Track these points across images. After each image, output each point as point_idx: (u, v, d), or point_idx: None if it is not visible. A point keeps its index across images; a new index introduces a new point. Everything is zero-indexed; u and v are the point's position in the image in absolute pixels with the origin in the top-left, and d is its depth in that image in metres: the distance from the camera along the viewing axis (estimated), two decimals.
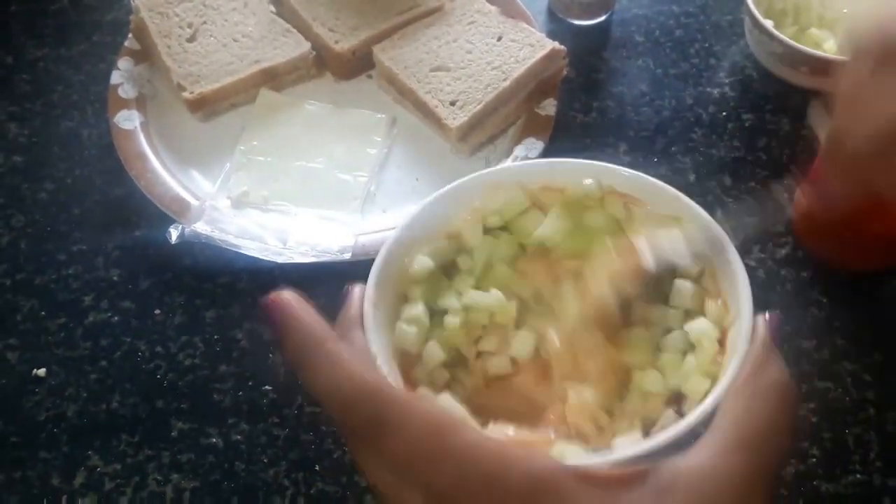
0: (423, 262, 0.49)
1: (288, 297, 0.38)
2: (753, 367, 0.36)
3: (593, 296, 0.46)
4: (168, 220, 0.77)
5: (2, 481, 0.68)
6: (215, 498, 0.67)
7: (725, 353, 0.41)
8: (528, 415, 0.44)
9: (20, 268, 0.80)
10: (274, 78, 0.89)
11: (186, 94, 0.85)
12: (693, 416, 0.36)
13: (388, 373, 0.41)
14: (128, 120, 0.85)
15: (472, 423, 0.35)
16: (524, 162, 0.51)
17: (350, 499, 0.67)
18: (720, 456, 0.33)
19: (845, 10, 0.91)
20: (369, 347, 0.41)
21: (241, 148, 0.84)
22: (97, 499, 0.67)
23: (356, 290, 0.43)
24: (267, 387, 0.72)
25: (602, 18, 0.98)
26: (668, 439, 0.35)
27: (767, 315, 0.39)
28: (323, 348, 0.36)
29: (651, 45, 0.97)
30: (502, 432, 0.39)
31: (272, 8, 0.93)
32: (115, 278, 0.79)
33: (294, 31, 0.91)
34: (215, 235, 0.76)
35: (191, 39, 0.89)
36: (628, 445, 0.37)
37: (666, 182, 0.51)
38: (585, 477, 0.33)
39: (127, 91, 0.87)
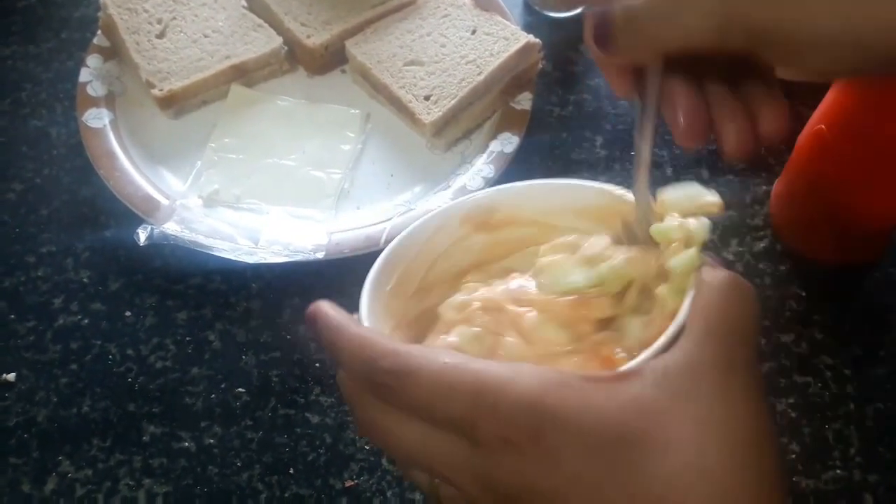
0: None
1: (321, 305, 0.42)
2: (707, 271, 0.40)
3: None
4: (139, 220, 0.76)
5: None
6: (188, 503, 0.66)
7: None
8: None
9: None
10: (245, 74, 0.88)
11: (156, 92, 0.83)
12: (670, 329, 0.39)
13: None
14: (97, 118, 0.83)
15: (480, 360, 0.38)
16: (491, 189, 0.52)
17: (325, 502, 0.66)
18: (695, 347, 0.37)
19: None
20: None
21: (212, 145, 0.83)
22: None
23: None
24: (240, 389, 0.71)
25: (579, 11, 0.96)
26: (653, 352, 0.38)
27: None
28: (347, 329, 0.40)
29: None
30: None
31: (243, 3, 0.91)
32: (85, 280, 0.78)
33: (265, 25, 0.89)
34: (185, 236, 0.75)
35: (160, 36, 0.88)
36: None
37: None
38: (585, 376, 0.36)
39: (96, 89, 0.86)
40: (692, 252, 0.42)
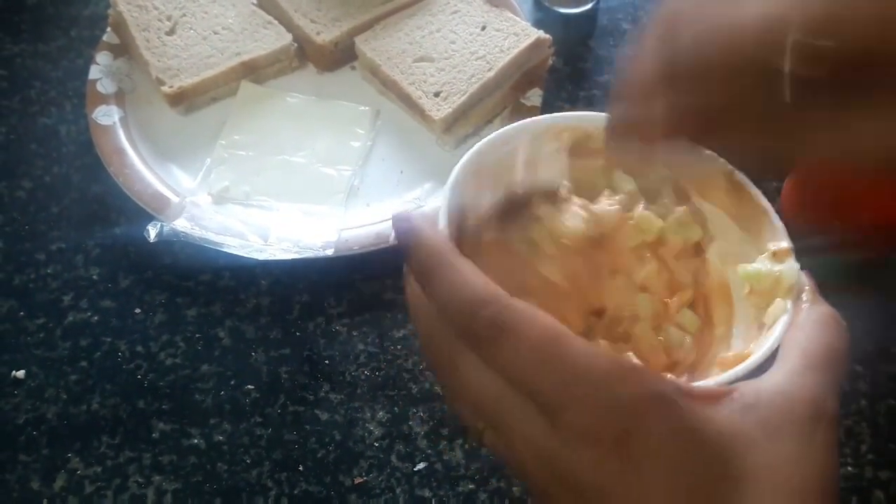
0: None
1: (416, 216, 0.40)
2: (807, 304, 0.41)
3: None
4: (148, 217, 0.76)
5: None
6: (197, 500, 0.66)
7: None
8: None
9: None
10: (255, 70, 0.88)
11: (166, 89, 0.83)
12: (761, 350, 0.40)
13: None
14: (106, 115, 0.83)
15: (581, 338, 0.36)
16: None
17: (334, 499, 0.66)
18: (792, 377, 0.37)
19: None
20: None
21: (222, 142, 0.83)
22: (78, 502, 0.66)
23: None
24: (249, 386, 0.71)
25: (589, 6, 0.96)
26: (742, 372, 0.39)
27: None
28: (447, 259, 0.38)
29: (639, 32, 0.95)
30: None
31: (253, 0, 0.91)
32: (94, 277, 0.78)
33: (275, 22, 0.89)
34: (195, 233, 0.74)
35: (170, 32, 0.88)
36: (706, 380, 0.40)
37: None
38: (683, 391, 0.35)
39: (105, 86, 0.86)
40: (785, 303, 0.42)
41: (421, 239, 0.39)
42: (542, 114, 0.83)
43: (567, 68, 0.92)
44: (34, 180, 0.84)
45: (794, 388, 0.36)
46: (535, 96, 0.86)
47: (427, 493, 0.66)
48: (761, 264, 0.45)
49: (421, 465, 0.67)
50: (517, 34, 0.86)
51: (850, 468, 0.67)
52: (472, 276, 0.37)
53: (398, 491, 0.66)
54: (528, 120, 0.50)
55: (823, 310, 0.40)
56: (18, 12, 0.97)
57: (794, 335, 0.39)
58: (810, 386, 0.36)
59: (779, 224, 0.45)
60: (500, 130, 0.49)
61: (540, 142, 0.50)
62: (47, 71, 0.92)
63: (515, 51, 0.84)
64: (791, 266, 0.43)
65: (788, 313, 0.41)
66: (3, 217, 0.81)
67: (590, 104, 0.89)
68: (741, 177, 0.47)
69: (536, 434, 0.35)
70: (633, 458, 0.34)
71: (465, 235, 0.46)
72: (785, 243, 0.44)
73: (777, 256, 0.44)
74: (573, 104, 0.89)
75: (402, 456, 0.68)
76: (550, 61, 0.88)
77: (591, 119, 0.50)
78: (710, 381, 0.38)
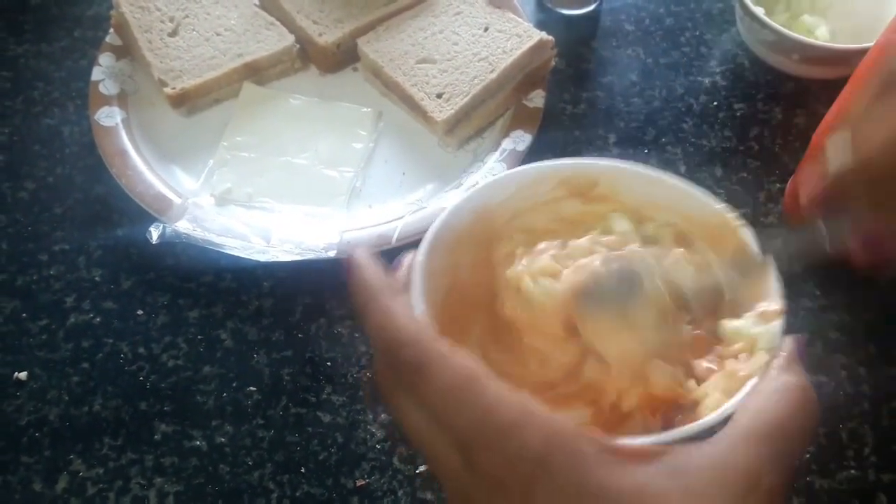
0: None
1: (360, 255, 0.41)
2: (774, 372, 0.39)
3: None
4: (151, 219, 0.76)
5: None
6: (199, 502, 0.66)
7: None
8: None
9: (1, 268, 0.78)
10: (257, 72, 0.88)
11: (168, 90, 0.83)
12: (714, 414, 0.38)
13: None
14: (109, 117, 0.83)
15: (499, 380, 0.37)
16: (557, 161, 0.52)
17: (336, 501, 0.66)
18: (731, 445, 0.35)
19: None
20: (413, 305, 0.43)
21: (225, 144, 0.83)
22: (80, 503, 0.66)
23: (405, 258, 0.46)
24: (251, 388, 0.71)
25: (591, 8, 0.96)
26: (687, 433, 0.37)
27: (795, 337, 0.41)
28: (378, 299, 0.39)
29: (641, 34, 0.95)
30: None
31: (255, 1, 0.91)
32: (97, 278, 0.78)
33: (277, 23, 0.89)
34: (197, 234, 0.74)
35: (172, 34, 0.88)
36: (645, 437, 0.38)
37: None
38: (604, 445, 0.34)
39: (108, 87, 0.86)
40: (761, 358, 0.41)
41: (357, 274, 0.40)
42: (544, 116, 0.83)
43: (569, 70, 0.92)
44: (37, 181, 0.84)
45: (727, 457, 0.35)
46: (537, 98, 0.85)
47: (429, 496, 0.66)
48: (744, 322, 0.44)
49: (423, 468, 0.67)
50: (520, 35, 0.86)
51: (853, 471, 0.67)
52: (398, 316, 0.38)
53: (400, 493, 0.66)
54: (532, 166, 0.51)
55: (790, 380, 0.38)
56: (22, 13, 0.97)
57: (751, 402, 0.37)
58: (746, 456, 0.35)
59: (776, 284, 0.44)
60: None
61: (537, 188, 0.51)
62: (50, 72, 0.92)
63: (518, 52, 0.84)
64: (771, 329, 0.42)
65: (753, 380, 0.39)
66: (6, 218, 0.82)
67: (592, 105, 0.89)
68: (746, 233, 0.47)
69: (456, 469, 0.35)
70: None
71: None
72: (776, 305, 0.43)
73: (764, 317, 0.43)
74: (575, 105, 0.89)
75: (404, 458, 0.68)
76: (553, 62, 0.88)
77: (592, 166, 0.51)
78: (648, 438, 0.37)
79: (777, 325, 0.42)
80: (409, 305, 0.41)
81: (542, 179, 0.51)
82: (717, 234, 0.48)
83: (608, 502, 0.33)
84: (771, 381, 0.38)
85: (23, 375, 0.72)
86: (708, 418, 0.38)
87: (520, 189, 0.51)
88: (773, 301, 0.43)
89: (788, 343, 0.41)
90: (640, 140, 0.86)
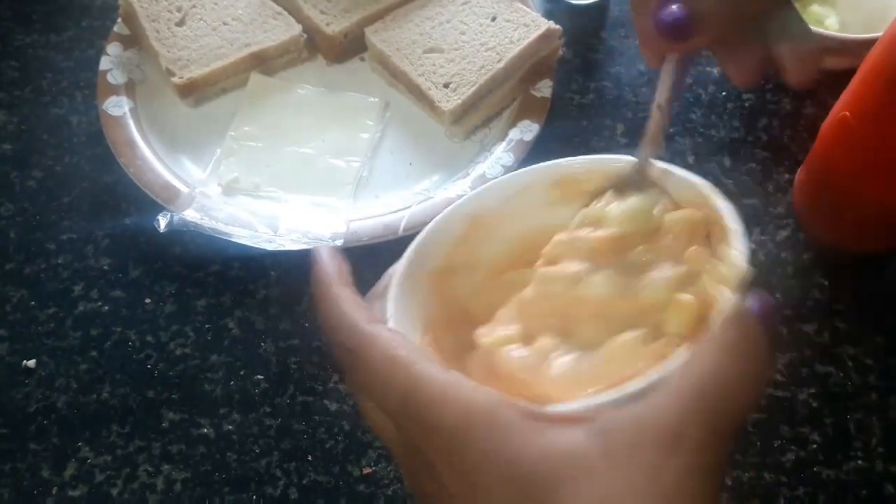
0: None
1: (320, 251, 0.43)
2: (718, 329, 0.36)
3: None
4: (158, 208, 0.76)
5: None
6: (206, 489, 0.67)
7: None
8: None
9: (9, 257, 0.79)
10: (264, 62, 0.88)
11: (176, 80, 0.83)
12: (641, 380, 0.35)
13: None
14: (117, 106, 0.83)
15: (431, 359, 0.37)
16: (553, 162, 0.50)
17: (343, 489, 0.66)
18: (654, 403, 0.33)
19: None
20: (386, 315, 0.43)
21: (232, 133, 0.83)
22: (88, 491, 0.67)
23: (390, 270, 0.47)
24: (259, 376, 0.72)
25: None
26: (617, 397, 0.35)
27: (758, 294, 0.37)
28: (329, 290, 0.40)
29: None
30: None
31: None
32: (105, 267, 0.78)
33: (284, 13, 0.89)
34: (205, 223, 0.75)
35: (180, 23, 0.88)
36: (574, 402, 0.36)
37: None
38: (526, 412, 0.34)
39: (116, 77, 0.86)
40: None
41: (315, 268, 0.42)
42: (551, 106, 0.83)
43: (577, 59, 0.92)
44: (45, 170, 0.84)
45: (648, 414, 0.33)
46: (544, 88, 0.85)
47: None
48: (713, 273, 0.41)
49: None
50: (527, 25, 0.85)
51: (860, 462, 0.67)
52: (342, 302, 0.39)
53: (406, 482, 0.66)
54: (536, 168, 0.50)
55: (732, 335, 0.35)
56: (30, 3, 0.98)
57: (686, 360, 0.35)
58: (667, 412, 0.33)
59: (742, 245, 0.40)
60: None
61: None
62: (59, 61, 0.93)
63: (525, 41, 0.84)
64: (723, 293, 0.38)
65: (704, 335, 0.36)
66: (14, 207, 0.82)
67: (600, 95, 0.89)
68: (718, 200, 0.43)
69: (394, 438, 0.38)
70: (465, 473, 0.34)
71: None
72: (737, 268, 0.39)
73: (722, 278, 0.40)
74: (583, 95, 0.89)
75: None
76: (560, 52, 0.88)
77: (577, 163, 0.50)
78: (577, 403, 0.35)
79: (731, 288, 0.38)
80: (355, 294, 0.42)
81: (537, 183, 0.50)
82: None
83: (523, 466, 0.33)
84: (712, 339, 0.35)
85: (31, 363, 0.72)
86: (636, 383, 0.35)
87: (510, 199, 0.50)
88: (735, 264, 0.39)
89: (750, 299, 0.37)
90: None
